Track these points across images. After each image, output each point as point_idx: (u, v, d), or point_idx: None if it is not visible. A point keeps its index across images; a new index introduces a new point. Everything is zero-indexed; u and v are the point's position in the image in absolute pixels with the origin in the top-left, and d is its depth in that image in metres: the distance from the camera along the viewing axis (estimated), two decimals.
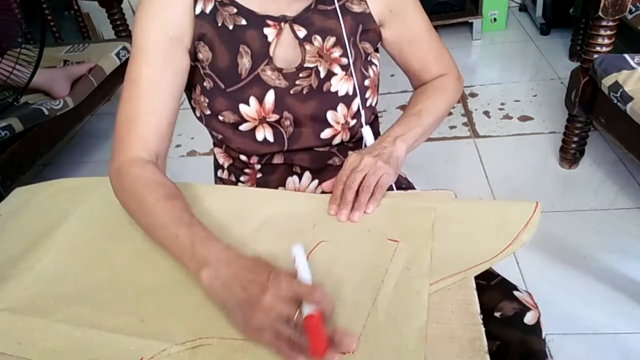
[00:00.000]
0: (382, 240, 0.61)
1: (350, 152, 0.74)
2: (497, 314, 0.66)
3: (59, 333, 0.55)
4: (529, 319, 0.66)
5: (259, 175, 0.86)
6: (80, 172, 2.09)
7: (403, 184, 0.93)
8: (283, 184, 0.86)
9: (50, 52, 1.95)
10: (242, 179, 0.88)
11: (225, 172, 0.90)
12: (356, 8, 0.77)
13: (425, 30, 0.84)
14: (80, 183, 0.81)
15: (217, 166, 0.93)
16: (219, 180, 0.93)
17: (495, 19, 2.87)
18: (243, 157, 0.84)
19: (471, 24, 2.81)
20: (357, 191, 0.67)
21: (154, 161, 0.71)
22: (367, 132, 0.82)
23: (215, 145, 0.91)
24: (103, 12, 2.11)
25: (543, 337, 0.67)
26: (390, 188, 0.78)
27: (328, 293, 0.50)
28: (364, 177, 0.68)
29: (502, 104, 2.20)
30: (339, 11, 0.76)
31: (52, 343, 0.54)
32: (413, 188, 0.93)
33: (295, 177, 0.85)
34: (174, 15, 0.71)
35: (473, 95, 2.31)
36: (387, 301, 0.53)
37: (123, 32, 2.15)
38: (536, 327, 0.66)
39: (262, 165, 0.85)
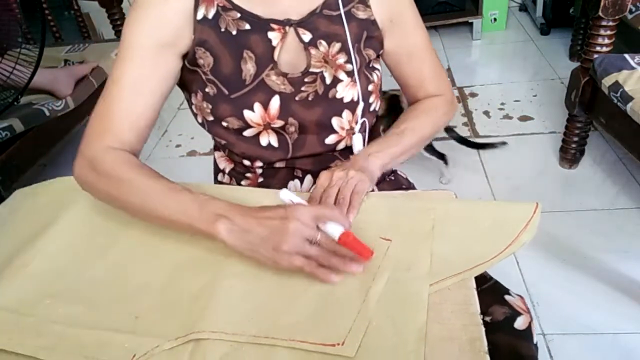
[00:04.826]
0: (375, 239, 0.61)
1: (323, 172, 0.73)
2: (487, 319, 0.66)
3: (52, 332, 0.55)
4: (519, 323, 0.66)
5: (261, 179, 0.85)
6: None
7: (403, 185, 0.93)
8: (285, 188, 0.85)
9: (51, 52, 1.94)
10: (243, 182, 0.87)
11: (227, 176, 0.90)
12: (361, 14, 0.77)
13: (425, 47, 0.83)
14: (74, 182, 0.81)
15: (217, 170, 0.92)
16: (219, 184, 0.93)
17: (495, 19, 2.87)
18: (246, 162, 0.84)
19: (471, 24, 2.81)
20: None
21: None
22: (357, 139, 0.82)
23: (216, 149, 0.91)
24: (103, 12, 2.10)
25: (534, 342, 0.67)
26: (391, 188, 0.78)
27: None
28: (338, 192, 0.68)
29: (502, 104, 2.20)
30: (344, 17, 0.75)
31: (44, 341, 0.54)
32: (414, 188, 0.93)
33: (297, 181, 0.85)
34: (169, 21, 0.70)
35: (473, 95, 2.31)
36: (381, 298, 0.53)
37: None
38: (527, 332, 0.66)
39: (264, 169, 0.84)
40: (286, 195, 0.64)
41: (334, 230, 0.58)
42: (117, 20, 2.12)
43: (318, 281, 0.56)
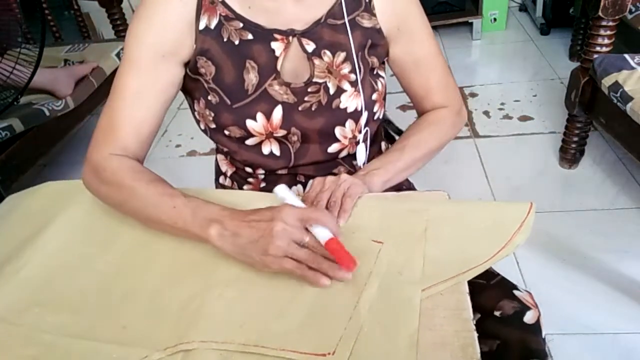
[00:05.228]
0: (367, 242, 0.60)
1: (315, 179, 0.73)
2: (497, 313, 0.66)
3: (40, 342, 0.54)
4: (529, 318, 0.66)
5: (263, 184, 0.85)
6: (79, 172, 2.08)
7: (404, 185, 0.92)
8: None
9: (51, 51, 1.94)
10: (245, 187, 0.87)
11: (228, 179, 0.90)
12: (366, 23, 0.76)
13: (433, 56, 0.82)
14: (67, 186, 0.80)
15: (219, 172, 0.92)
16: (220, 187, 0.93)
17: (495, 19, 2.87)
18: (248, 169, 0.84)
19: (471, 24, 2.81)
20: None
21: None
22: (360, 149, 0.81)
23: (218, 151, 0.90)
24: (103, 12, 2.10)
25: (543, 336, 0.67)
26: (392, 189, 0.78)
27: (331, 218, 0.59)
28: (330, 196, 0.68)
29: (502, 104, 2.20)
30: (348, 26, 0.74)
31: (32, 351, 0.54)
32: (414, 189, 0.93)
33: (300, 186, 0.85)
34: (170, 31, 0.70)
35: (473, 95, 2.30)
36: (372, 304, 0.53)
37: (123, 32, 2.15)
38: (536, 326, 0.66)
39: (266, 175, 0.84)
40: (281, 190, 0.64)
41: (321, 234, 0.57)
42: (117, 20, 2.12)
43: (309, 286, 0.56)
